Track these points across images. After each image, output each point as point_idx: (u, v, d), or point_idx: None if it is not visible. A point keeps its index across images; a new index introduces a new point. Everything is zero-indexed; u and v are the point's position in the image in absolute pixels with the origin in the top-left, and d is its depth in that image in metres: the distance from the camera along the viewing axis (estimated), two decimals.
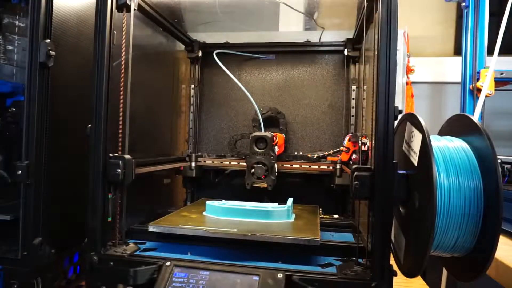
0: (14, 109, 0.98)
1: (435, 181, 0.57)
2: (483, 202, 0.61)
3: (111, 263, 0.72)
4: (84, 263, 0.73)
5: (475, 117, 1.26)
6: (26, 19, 0.96)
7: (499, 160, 0.60)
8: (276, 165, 1.08)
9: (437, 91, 1.74)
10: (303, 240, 0.75)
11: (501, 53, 1.44)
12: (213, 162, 1.23)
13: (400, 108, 0.67)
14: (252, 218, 0.88)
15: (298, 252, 0.79)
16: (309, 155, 1.19)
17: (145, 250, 0.80)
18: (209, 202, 0.95)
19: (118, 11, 0.78)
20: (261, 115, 1.17)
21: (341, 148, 1.08)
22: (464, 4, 1.47)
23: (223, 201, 0.98)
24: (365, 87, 1.00)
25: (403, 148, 0.74)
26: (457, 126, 0.74)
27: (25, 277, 0.74)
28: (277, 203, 0.97)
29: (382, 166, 0.65)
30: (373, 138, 0.68)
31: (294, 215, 0.94)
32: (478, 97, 1.43)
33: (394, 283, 0.66)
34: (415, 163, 0.66)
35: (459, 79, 1.53)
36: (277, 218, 0.89)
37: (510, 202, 1.01)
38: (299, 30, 1.50)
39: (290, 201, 0.95)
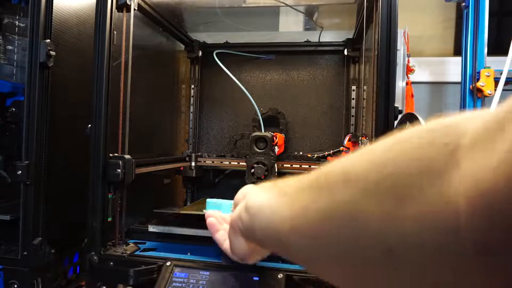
0: (14, 109, 0.98)
1: None
2: None
3: (111, 263, 0.72)
4: (84, 263, 0.73)
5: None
6: (26, 19, 0.96)
7: None
8: (276, 165, 1.08)
9: (437, 91, 1.74)
10: None
11: (502, 53, 1.44)
12: (213, 162, 1.23)
13: (400, 108, 0.67)
14: None
15: None
16: (309, 155, 1.19)
17: (145, 250, 0.80)
18: (210, 200, 0.94)
19: (118, 11, 0.78)
20: (261, 115, 1.17)
21: (341, 148, 1.08)
22: (464, 4, 1.47)
23: (225, 200, 0.98)
24: (365, 87, 1.00)
25: None
26: None
27: (25, 277, 0.74)
28: None
29: None
30: (373, 138, 0.68)
31: None
32: (478, 97, 1.43)
33: None
34: None
35: (459, 79, 1.53)
36: None
37: None
38: (299, 30, 1.50)
39: None
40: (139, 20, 0.95)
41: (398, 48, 0.72)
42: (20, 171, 0.72)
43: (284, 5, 1.06)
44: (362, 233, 0.21)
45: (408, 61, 1.48)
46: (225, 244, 0.48)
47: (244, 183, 1.07)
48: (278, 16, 1.50)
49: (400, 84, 1.46)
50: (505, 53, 1.33)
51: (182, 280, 0.68)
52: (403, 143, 0.21)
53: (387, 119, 0.66)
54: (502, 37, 1.70)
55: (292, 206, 0.28)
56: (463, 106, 1.48)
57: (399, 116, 0.69)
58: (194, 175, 1.22)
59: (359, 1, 0.96)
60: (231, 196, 1.11)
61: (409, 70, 1.48)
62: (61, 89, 0.81)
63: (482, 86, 1.41)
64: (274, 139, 1.10)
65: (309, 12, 1.24)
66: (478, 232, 0.15)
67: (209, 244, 0.82)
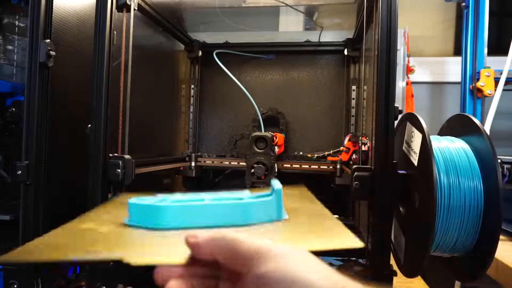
0: (14, 109, 0.98)
1: (436, 181, 0.57)
2: (483, 202, 0.61)
3: (111, 263, 0.72)
4: (84, 263, 0.73)
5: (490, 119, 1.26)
6: (26, 19, 0.96)
7: (499, 160, 0.60)
8: (276, 165, 1.08)
9: (437, 91, 1.74)
10: None
11: (502, 53, 1.44)
12: (213, 162, 1.22)
13: (400, 108, 0.67)
14: (217, 222, 0.42)
15: None
16: (309, 155, 1.19)
17: None
18: (133, 202, 0.45)
19: (118, 11, 0.78)
20: (261, 115, 1.16)
21: (341, 148, 1.08)
22: (464, 4, 1.47)
23: (162, 195, 0.49)
24: (365, 87, 1.00)
25: (403, 148, 0.74)
26: (457, 126, 0.74)
27: (25, 277, 0.74)
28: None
29: (382, 166, 0.65)
30: (373, 138, 0.68)
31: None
32: (478, 97, 1.43)
33: (394, 283, 0.66)
34: (415, 163, 0.66)
35: (459, 79, 1.53)
36: (260, 217, 0.44)
37: (510, 202, 1.01)
38: (299, 30, 1.50)
39: (275, 183, 0.47)
40: (139, 20, 0.95)
41: (398, 48, 0.72)
42: (20, 171, 0.72)
43: (284, 5, 1.06)
44: None
45: (408, 61, 1.48)
46: None
47: (244, 183, 1.08)
48: (278, 16, 1.50)
49: (400, 84, 1.46)
50: (505, 53, 1.33)
51: None
52: None
53: (387, 119, 0.66)
54: (502, 37, 1.70)
55: None
56: (463, 106, 1.48)
57: (399, 116, 0.69)
58: (194, 175, 1.22)
59: (359, 1, 0.96)
60: None
61: (409, 70, 1.48)
62: (61, 89, 0.81)
63: (482, 86, 1.41)
64: (274, 139, 1.10)
65: (309, 12, 1.24)
66: None
67: None
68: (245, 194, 0.46)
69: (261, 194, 0.44)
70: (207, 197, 0.44)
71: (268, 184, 1.06)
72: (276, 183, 0.44)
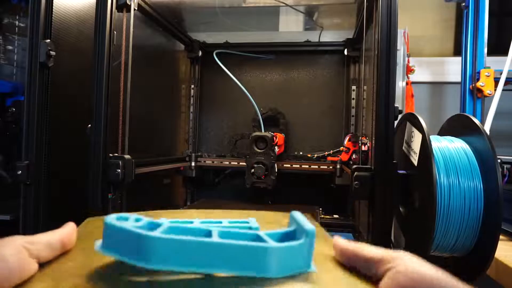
0: (14, 109, 0.98)
1: (435, 181, 0.57)
2: (483, 202, 0.61)
3: None
4: None
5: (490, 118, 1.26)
6: (26, 19, 0.96)
7: (499, 160, 0.60)
8: (276, 165, 1.08)
9: (437, 91, 1.74)
10: None
11: (502, 53, 1.44)
12: (213, 162, 1.23)
13: (400, 108, 0.67)
14: (226, 267, 0.27)
15: None
16: (309, 155, 1.19)
17: None
18: (113, 221, 0.28)
19: (118, 11, 0.78)
20: (261, 115, 1.16)
21: (341, 148, 1.08)
22: (464, 4, 1.47)
23: (147, 218, 0.32)
24: (365, 87, 1.00)
25: (403, 148, 0.74)
26: (457, 126, 0.74)
27: None
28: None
29: (382, 166, 0.65)
30: (373, 138, 0.68)
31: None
32: (478, 97, 1.43)
33: None
34: (415, 163, 0.66)
35: (459, 79, 1.53)
36: (284, 267, 0.28)
37: (510, 202, 1.01)
38: (299, 30, 1.50)
39: (299, 218, 0.31)
40: (139, 20, 0.95)
41: (398, 48, 0.72)
42: (20, 171, 0.72)
43: (284, 5, 1.06)
44: None
45: (408, 61, 1.48)
46: None
47: (244, 183, 1.08)
48: (278, 16, 1.50)
49: (400, 84, 1.46)
50: (505, 53, 1.33)
51: None
52: None
53: (387, 119, 0.66)
54: (502, 37, 1.70)
55: None
56: (463, 106, 1.48)
57: (399, 116, 0.69)
58: (194, 175, 1.22)
59: (359, 1, 0.96)
60: (231, 196, 1.10)
61: (409, 70, 1.48)
62: (61, 89, 0.81)
63: (482, 86, 1.41)
64: (274, 139, 1.10)
65: (309, 12, 1.24)
66: None
67: None
68: (253, 223, 0.34)
69: (281, 231, 0.31)
70: (197, 221, 0.33)
71: (268, 184, 1.06)
72: (302, 219, 0.30)
